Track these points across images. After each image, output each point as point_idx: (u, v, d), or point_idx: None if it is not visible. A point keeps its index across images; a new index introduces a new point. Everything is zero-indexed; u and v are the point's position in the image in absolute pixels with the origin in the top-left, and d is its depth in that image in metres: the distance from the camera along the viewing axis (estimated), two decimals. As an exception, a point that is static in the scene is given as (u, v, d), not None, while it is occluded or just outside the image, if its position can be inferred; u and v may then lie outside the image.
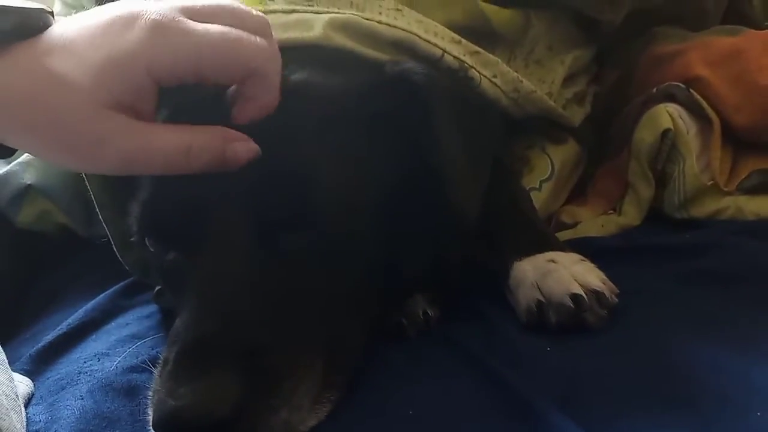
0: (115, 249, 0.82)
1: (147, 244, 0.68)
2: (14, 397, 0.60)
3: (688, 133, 0.95)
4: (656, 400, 0.55)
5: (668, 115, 0.95)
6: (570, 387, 0.58)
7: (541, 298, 0.68)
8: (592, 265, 0.72)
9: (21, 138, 0.57)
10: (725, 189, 0.94)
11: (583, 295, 0.66)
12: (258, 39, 0.59)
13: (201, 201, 0.61)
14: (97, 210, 0.81)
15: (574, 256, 0.73)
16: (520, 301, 0.70)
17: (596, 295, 0.67)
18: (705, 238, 0.86)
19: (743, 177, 0.95)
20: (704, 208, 0.93)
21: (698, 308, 0.71)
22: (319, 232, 0.62)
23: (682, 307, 0.71)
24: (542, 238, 0.77)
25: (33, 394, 0.69)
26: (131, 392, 0.64)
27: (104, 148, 0.56)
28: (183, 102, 0.65)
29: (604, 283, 0.69)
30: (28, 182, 1.02)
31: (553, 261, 0.71)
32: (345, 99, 0.68)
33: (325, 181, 0.63)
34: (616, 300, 0.68)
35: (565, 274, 0.69)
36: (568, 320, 0.66)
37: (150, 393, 0.58)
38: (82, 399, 0.64)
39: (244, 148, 0.60)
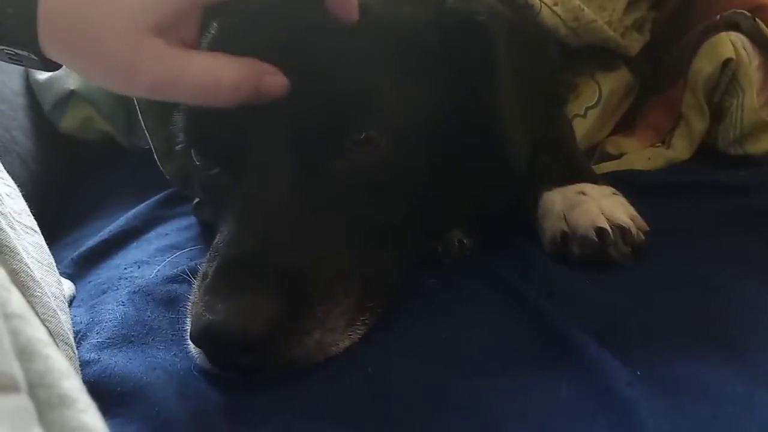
0: (156, 158, 0.83)
1: (192, 157, 0.68)
2: (62, 298, 0.62)
3: (750, 64, 0.90)
4: (696, 340, 0.54)
5: (731, 44, 0.89)
6: (608, 321, 0.57)
7: (566, 230, 0.67)
8: (623, 199, 0.71)
9: (61, 52, 0.57)
10: (785, 126, 0.90)
11: (609, 229, 0.65)
12: None
13: (245, 119, 0.60)
14: (140, 117, 0.81)
15: (606, 189, 0.72)
16: (545, 230, 0.70)
17: (622, 230, 0.66)
18: (758, 176, 0.83)
19: (805, 115, 0.90)
20: (760, 145, 0.89)
21: (744, 248, 0.70)
22: (363, 158, 0.61)
23: (727, 247, 0.70)
24: (575, 169, 0.76)
25: (75, 297, 0.71)
26: (171, 302, 0.65)
27: (136, 72, 0.55)
28: (225, 27, 0.64)
29: (632, 219, 0.68)
30: (72, 87, 1.02)
31: (583, 193, 0.70)
32: (401, 28, 0.65)
33: (372, 107, 0.61)
34: (643, 237, 0.67)
35: (592, 207, 0.68)
36: (591, 253, 0.66)
37: (189, 304, 0.59)
38: (123, 304, 0.65)
39: (277, 82, 0.59)
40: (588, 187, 0.71)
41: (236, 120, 0.60)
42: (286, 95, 0.59)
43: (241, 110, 0.59)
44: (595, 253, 0.65)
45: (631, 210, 0.69)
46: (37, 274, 0.58)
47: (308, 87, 0.60)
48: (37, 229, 0.65)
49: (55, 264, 0.65)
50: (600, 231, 0.65)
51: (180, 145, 0.70)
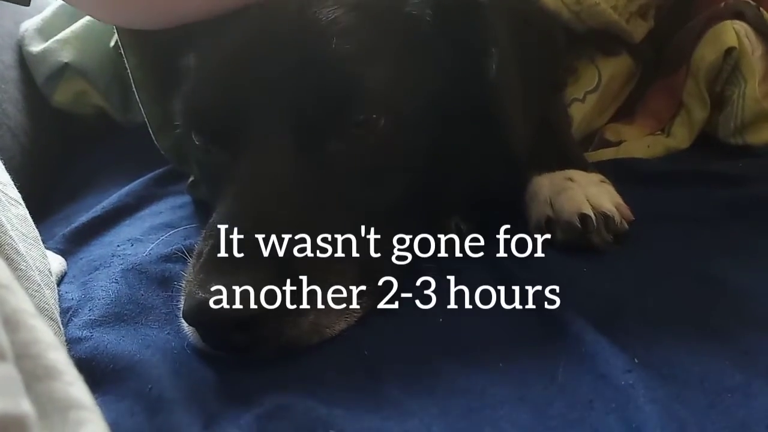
0: (150, 132, 0.81)
1: (192, 138, 0.67)
2: (47, 273, 0.61)
3: (753, 54, 0.89)
4: (694, 328, 0.54)
5: (734, 32, 0.89)
6: (606, 308, 0.57)
7: (551, 215, 0.68)
8: (611, 187, 0.72)
9: None
10: (787, 117, 0.90)
11: (592, 216, 0.66)
12: None
13: (245, 100, 0.60)
14: (134, 89, 0.79)
15: (594, 177, 0.72)
16: (531, 214, 0.70)
17: (605, 218, 0.66)
18: (758, 167, 0.83)
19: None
20: (761, 135, 0.89)
21: (742, 238, 0.70)
22: (362, 140, 0.61)
23: (725, 236, 0.70)
24: (566, 155, 0.76)
25: (66, 273, 0.70)
26: (164, 281, 0.64)
27: None
28: None
29: (617, 208, 0.68)
30: (65, 60, 1.01)
31: (571, 179, 0.71)
32: (400, 10, 0.65)
33: (370, 89, 0.61)
34: (626, 226, 0.68)
35: (578, 194, 0.68)
36: (574, 239, 0.66)
37: (183, 282, 0.58)
38: (116, 282, 0.65)
39: None
40: (576, 174, 0.72)
41: (236, 100, 0.60)
42: (293, 67, 0.58)
43: (242, 90, 0.58)
44: (578, 239, 0.66)
45: (617, 198, 0.70)
46: (22, 247, 0.56)
47: (308, 69, 0.59)
48: (22, 201, 0.64)
49: (40, 238, 0.64)
50: (583, 217, 0.66)
51: (180, 128, 0.69)
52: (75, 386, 0.33)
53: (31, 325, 0.33)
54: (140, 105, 0.80)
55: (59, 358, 0.33)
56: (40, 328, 0.34)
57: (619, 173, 0.77)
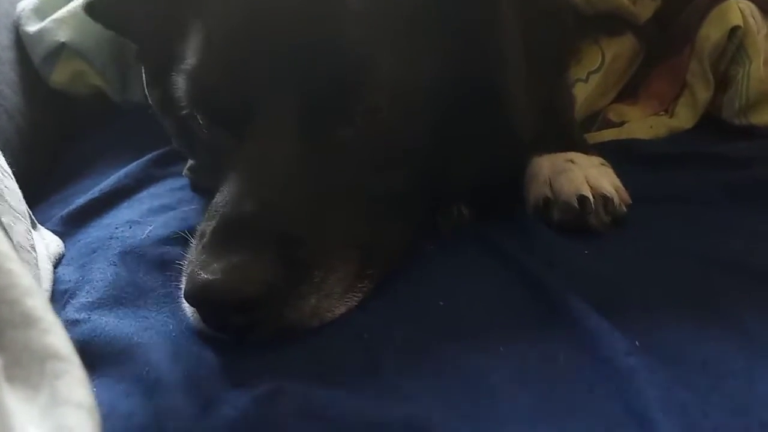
0: (144, 84, 0.80)
1: (195, 117, 0.66)
2: (28, 248, 0.59)
3: (758, 33, 0.88)
4: (696, 311, 0.54)
5: (739, 11, 0.88)
6: (608, 292, 0.56)
7: (550, 195, 0.68)
8: (611, 170, 0.72)
9: None
10: (792, 97, 0.89)
11: (590, 197, 0.66)
12: None
13: (250, 81, 0.59)
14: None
15: (594, 159, 0.72)
16: (530, 195, 0.70)
17: (604, 200, 0.66)
18: (761, 148, 0.82)
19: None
20: (765, 116, 0.88)
21: (744, 220, 0.69)
22: (368, 125, 0.60)
23: (727, 218, 0.70)
24: (567, 137, 0.76)
25: (63, 255, 0.70)
26: (163, 264, 0.64)
27: None
28: None
29: (616, 190, 0.68)
30: (62, 40, 0.99)
31: (571, 161, 0.71)
32: None
33: (381, 74, 0.60)
34: (625, 209, 0.68)
35: (578, 175, 0.68)
36: (571, 220, 0.66)
37: (184, 263, 0.58)
38: (114, 265, 0.64)
39: None
40: (577, 156, 0.72)
41: (242, 80, 0.60)
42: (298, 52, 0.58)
43: (247, 70, 0.58)
44: (575, 219, 0.66)
45: (617, 181, 0.70)
46: (5, 219, 0.55)
47: (316, 52, 0.59)
48: (12, 174, 0.63)
49: (28, 214, 0.63)
50: (582, 199, 0.66)
51: (185, 108, 0.68)
52: (52, 334, 0.32)
53: (7, 269, 0.32)
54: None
55: (37, 304, 0.32)
56: (17, 272, 0.32)
57: (621, 154, 0.77)
